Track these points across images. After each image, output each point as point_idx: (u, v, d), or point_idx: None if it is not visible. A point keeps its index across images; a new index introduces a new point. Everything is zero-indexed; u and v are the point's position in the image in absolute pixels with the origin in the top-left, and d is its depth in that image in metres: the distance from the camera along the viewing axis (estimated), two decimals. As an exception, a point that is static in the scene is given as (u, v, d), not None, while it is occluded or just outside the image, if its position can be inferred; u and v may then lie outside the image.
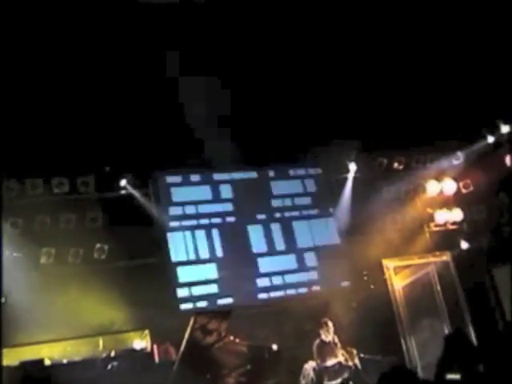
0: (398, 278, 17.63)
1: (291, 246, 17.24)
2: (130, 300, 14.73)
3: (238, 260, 16.69)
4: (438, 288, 17.20)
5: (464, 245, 17.93)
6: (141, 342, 15.08)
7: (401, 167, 18.67)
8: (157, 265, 15.94)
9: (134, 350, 14.70)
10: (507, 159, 17.94)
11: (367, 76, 15.85)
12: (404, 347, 16.91)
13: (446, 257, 17.65)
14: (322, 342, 14.53)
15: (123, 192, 16.30)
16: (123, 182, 16.22)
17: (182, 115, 15.42)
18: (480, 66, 15.87)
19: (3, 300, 13.97)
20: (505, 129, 17.98)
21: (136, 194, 16.36)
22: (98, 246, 15.48)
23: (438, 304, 17.06)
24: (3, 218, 14.48)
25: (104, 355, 14.15)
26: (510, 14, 14.69)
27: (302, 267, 17.11)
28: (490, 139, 18.34)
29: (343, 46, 15.39)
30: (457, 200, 18.71)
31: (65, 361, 14.11)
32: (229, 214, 17.14)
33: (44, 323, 14.05)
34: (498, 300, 16.60)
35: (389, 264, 17.54)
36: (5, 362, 13.47)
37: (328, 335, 14.52)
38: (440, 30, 15.23)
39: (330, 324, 14.62)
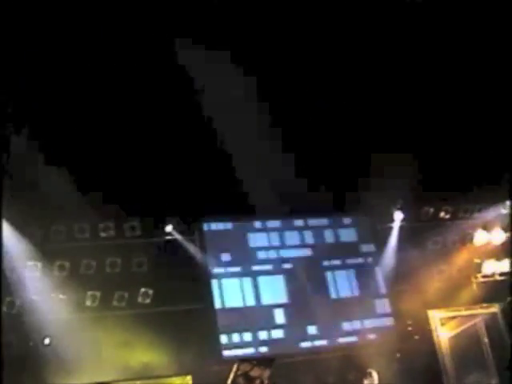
0: (444, 329, 17.32)
1: (333, 296, 17.15)
2: (173, 345, 14.83)
3: (282, 307, 16.63)
4: (486, 341, 16.77)
5: (513, 297, 17.55)
6: (183, 387, 15.10)
7: (447, 216, 18.45)
8: (201, 310, 15.96)
9: (175, 396, 14.72)
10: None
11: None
12: (450, 401, 16.57)
13: (494, 309, 17.27)
14: (366, 392, 14.34)
15: (169, 237, 16.43)
16: (169, 228, 16.36)
17: (228, 164, 15.52)
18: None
19: (48, 341, 14.20)
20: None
21: (181, 239, 16.47)
22: (142, 290, 15.61)
23: (485, 357, 16.63)
24: (50, 261, 14.87)
25: (145, 399, 14.20)
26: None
27: (346, 317, 16.97)
28: (540, 188, 18.05)
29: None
30: (505, 250, 18.31)
31: (106, 403, 14.19)
32: (276, 261, 17.14)
33: (87, 365, 14.15)
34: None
35: (435, 315, 17.29)
36: (49, 401, 13.69)
37: (372, 386, 14.32)
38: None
39: (375, 374, 14.37)
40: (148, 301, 15.64)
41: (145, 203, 15.45)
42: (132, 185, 14.95)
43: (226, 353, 15.72)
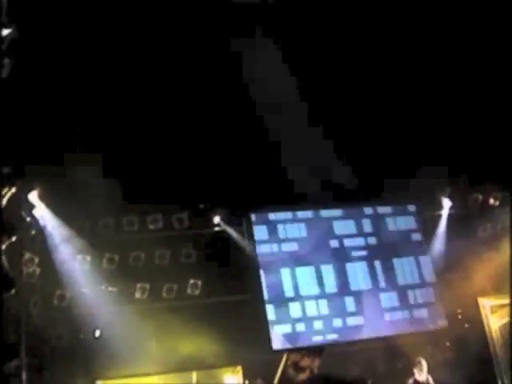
0: (495, 317, 17.14)
1: (382, 285, 17.07)
2: (223, 336, 14.85)
3: (334, 297, 16.59)
4: (538, 328, 16.55)
5: None
6: (233, 377, 15.17)
7: (497, 203, 18.20)
8: (250, 301, 16.01)
9: (225, 386, 14.82)
10: None
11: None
12: (502, 389, 16.41)
13: (544, 296, 17.04)
14: (416, 381, 14.30)
15: (217, 229, 16.50)
16: (217, 219, 16.41)
17: (276, 154, 15.48)
18: None
19: (98, 333, 14.36)
20: None
21: (229, 230, 16.52)
22: (191, 281, 15.73)
23: (537, 344, 16.42)
24: (100, 254, 15.04)
25: (196, 390, 14.30)
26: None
27: (396, 306, 16.89)
28: None
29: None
30: (556, 237, 18.02)
31: (159, 394, 14.34)
32: (323, 251, 17.05)
33: (138, 357, 14.31)
34: None
35: (485, 302, 17.12)
36: (100, 393, 13.87)
37: (422, 374, 14.27)
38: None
39: (424, 363, 14.37)
40: (197, 292, 15.74)
41: (192, 195, 15.54)
42: (180, 177, 15.00)
43: (276, 343, 15.74)
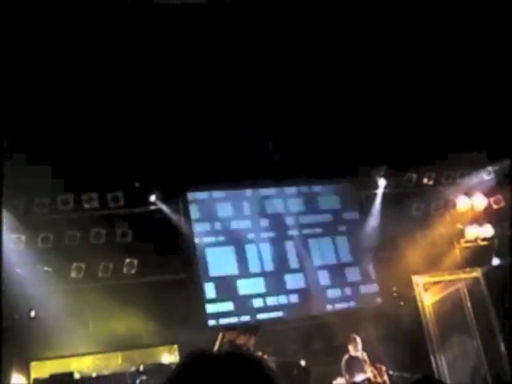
0: (428, 294, 17.47)
1: (317, 263, 17.21)
2: (159, 315, 14.86)
3: (268, 275, 16.68)
4: (469, 305, 16.88)
5: (495, 261, 17.64)
6: (169, 356, 15.19)
7: (430, 183, 18.52)
8: (186, 280, 16.00)
9: (162, 365, 14.80)
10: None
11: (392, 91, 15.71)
12: (434, 364, 16.72)
13: (476, 273, 17.36)
14: (351, 357, 14.49)
15: (153, 207, 16.39)
16: (153, 198, 16.30)
17: (212, 132, 15.42)
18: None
19: (33, 314, 14.20)
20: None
21: (165, 209, 16.44)
22: (127, 260, 15.62)
23: (468, 321, 16.75)
24: (34, 234, 14.83)
25: (133, 369, 14.25)
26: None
27: (331, 284, 17.07)
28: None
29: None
30: (487, 216, 18.44)
31: (94, 374, 14.30)
32: (259, 229, 17.14)
33: (73, 337, 14.21)
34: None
35: (418, 280, 17.41)
36: (34, 375, 13.75)
37: (356, 351, 14.46)
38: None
39: (358, 339, 14.57)
40: (133, 271, 15.64)
41: (128, 173, 15.41)
42: (115, 154, 14.86)
43: (212, 322, 15.79)
